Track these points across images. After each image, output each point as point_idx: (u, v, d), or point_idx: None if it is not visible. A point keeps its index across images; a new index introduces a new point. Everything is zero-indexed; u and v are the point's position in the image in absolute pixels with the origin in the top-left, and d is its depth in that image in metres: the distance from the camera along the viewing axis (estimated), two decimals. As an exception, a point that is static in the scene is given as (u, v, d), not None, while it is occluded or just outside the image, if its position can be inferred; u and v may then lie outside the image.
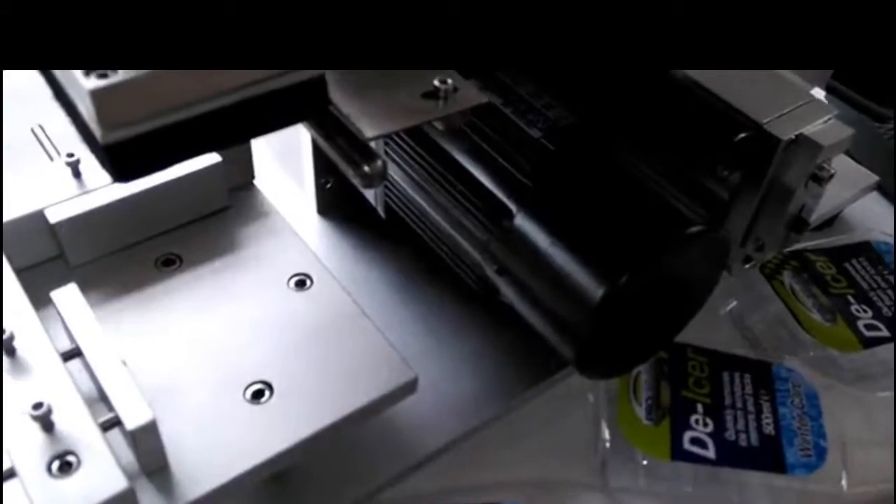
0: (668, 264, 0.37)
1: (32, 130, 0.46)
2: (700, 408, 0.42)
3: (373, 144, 0.29)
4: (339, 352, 0.39)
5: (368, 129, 0.26)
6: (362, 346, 0.39)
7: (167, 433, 0.34)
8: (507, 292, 0.40)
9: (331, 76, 0.27)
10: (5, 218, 0.40)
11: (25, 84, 0.36)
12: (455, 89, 0.29)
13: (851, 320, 0.47)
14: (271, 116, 0.25)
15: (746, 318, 0.49)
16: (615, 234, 0.37)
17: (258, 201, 0.46)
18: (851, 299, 0.48)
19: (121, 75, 0.22)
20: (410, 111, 0.28)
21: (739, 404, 0.43)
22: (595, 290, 0.36)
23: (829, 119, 0.42)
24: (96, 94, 0.22)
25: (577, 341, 0.38)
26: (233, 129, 0.25)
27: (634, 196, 0.38)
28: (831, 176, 0.42)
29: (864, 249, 0.51)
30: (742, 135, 0.38)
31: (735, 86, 0.42)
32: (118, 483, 0.31)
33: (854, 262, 0.50)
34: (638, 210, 0.38)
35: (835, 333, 0.46)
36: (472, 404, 0.44)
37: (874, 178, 0.57)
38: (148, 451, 0.34)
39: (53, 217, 0.40)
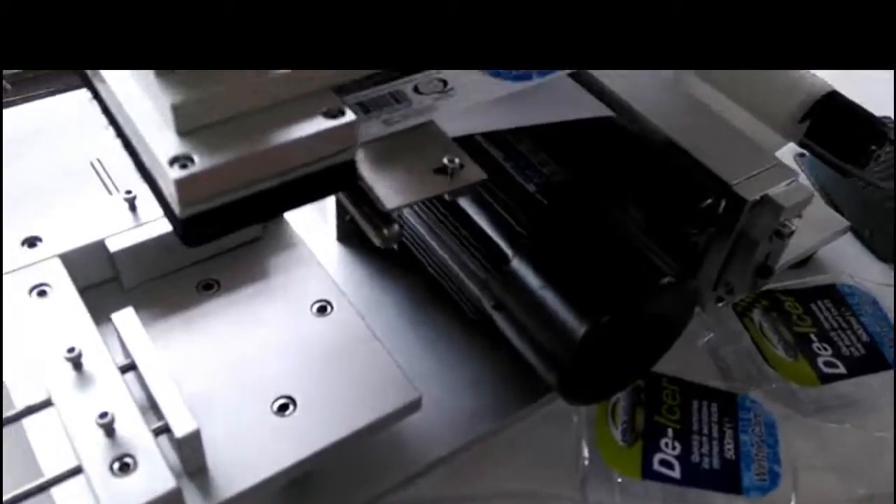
0: (641, 308, 0.43)
1: (92, 164, 0.52)
2: (670, 432, 0.48)
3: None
4: (354, 372, 0.45)
5: (389, 202, 0.32)
6: (374, 367, 0.45)
7: (205, 439, 0.40)
8: (502, 325, 0.46)
9: (359, 155, 0.33)
10: (74, 245, 0.46)
11: (84, 116, 0.40)
12: (461, 166, 0.34)
13: (812, 357, 0.53)
14: (313, 192, 0.31)
15: (720, 351, 0.55)
16: (597, 280, 0.43)
17: (287, 233, 0.52)
18: (814, 337, 0.54)
19: (198, 165, 0.28)
20: (423, 185, 0.33)
21: (705, 430, 0.48)
22: (578, 328, 0.42)
23: (792, 182, 0.47)
24: (179, 182, 0.28)
25: (561, 371, 0.43)
26: (283, 202, 0.31)
27: (616, 248, 0.44)
28: (792, 232, 0.47)
29: (830, 292, 0.57)
30: (708, 201, 0.44)
31: (710, 148, 0.48)
32: (168, 483, 0.37)
33: (819, 303, 0.56)
34: (618, 260, 0.43)
35: (796, 368, 0.52)
36: (471, 420, 0.49)
37: (845, 223, 0.63)
38: (191, 456, 0.39)
39: (113, 247, 0.46)
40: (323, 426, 0.42)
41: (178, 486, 0.37)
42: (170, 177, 0.28)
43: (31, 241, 0.46)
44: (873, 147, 0.52)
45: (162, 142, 0.29)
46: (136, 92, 0.31)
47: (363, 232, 0.35)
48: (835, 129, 0.52)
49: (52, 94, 0.72)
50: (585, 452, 0.47)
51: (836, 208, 0.67)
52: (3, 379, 0.42)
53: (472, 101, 0.37)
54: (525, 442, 0.49)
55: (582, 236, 0.44)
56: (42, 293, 0.44)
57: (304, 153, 0.30)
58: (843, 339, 0.54)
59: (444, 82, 0.37)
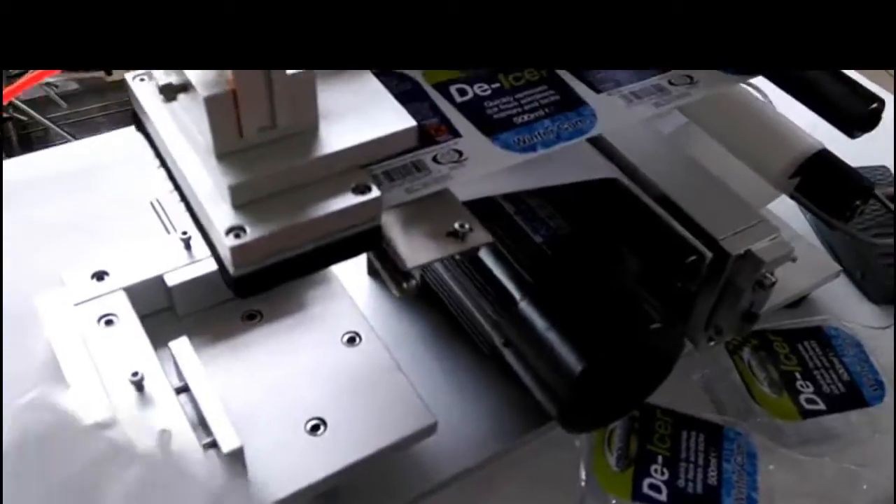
0: (631, 350, 0.49)
1: (152, 203, 0.59)
2: (660, 459, 0.53)
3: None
4: (378, 398, 0.51)
5: (408, 261, 0.38)
6: (396, 394, 0.51)
7: (246, 454, 0.46)
8: (510, 360, 0.52)
9: (384, 217, 0.39)
10: (137, 279, 0.53)
11: (143, 153, 0.44)
12: (471, 230, 0.40)
13: (795, 394, 0.57)
14: (345, 253, 0.38)
15: (713, 386, 0.60)
16: (593, 325, 0.49)
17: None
18: (798, 376, 0.59)
19: (250, 235, 0.34)
20: (438, 247, 0.39)
21: (692, 458, 0.53)
22: (575, 366, 0.47)
23: (774, 238, 0.53)
24: (233, 249, 0.34)
25: (560, 403, 0.49)
26: (319, 263, 0.37)
27: (611, 296, 0.50)
28: (773, 283, 0.53)
29: (816, 334, 0.62)
30: (692, 257, 0.49)
31: (701, 206, 0.53)
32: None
33: (805, 343, 0.61)
34: (612, 307, 0.49)
35: (780, 404, 0.57)
36: (482, 443, 0.55)
37: (837, 268, 0.67)
38: (235, 467, 0.46)
39: (170, 282, 0.53)
40: (350, 445, 0.48)
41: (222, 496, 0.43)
42: (226, 244, 0.34)
43: (100, 276, 0.53)
44: (857, 202, 0.57)
45: (219, 213, 0.35)
46: (197, 166, 0.37)
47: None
48: (822, 186, 0.57)
49: (114, 128, 0.80)
50: (583, 475, 0.53)
51: (831, 248, 0.72)
52: (70, 400, 0.48)
53: (484, 171, 0.42)
54: (530, 464, 0.55)
55: (582, 285, 0.50)
56: (109, 322, 0.51)
57: (337, 223, 0.36)
58: (826, 377, 0.59)
59: (460, 153, 0.43)
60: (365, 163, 0.38)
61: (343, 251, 0.38)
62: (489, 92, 0.45)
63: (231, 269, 0.35)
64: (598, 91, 0.46)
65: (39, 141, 1.78)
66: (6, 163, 0.79)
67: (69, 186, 0.71)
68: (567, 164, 0.51)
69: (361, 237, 0.38)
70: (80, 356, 0.49)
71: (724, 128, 0.60)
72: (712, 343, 0.57)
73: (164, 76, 0.35)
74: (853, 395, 0.57)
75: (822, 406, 0.57)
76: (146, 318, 0.53)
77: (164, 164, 0.41)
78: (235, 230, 0.35)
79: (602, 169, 0.53)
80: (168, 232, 0.57)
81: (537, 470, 0.55)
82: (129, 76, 0.41)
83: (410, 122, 0.39)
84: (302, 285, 0.58)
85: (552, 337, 0.49)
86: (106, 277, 0.53)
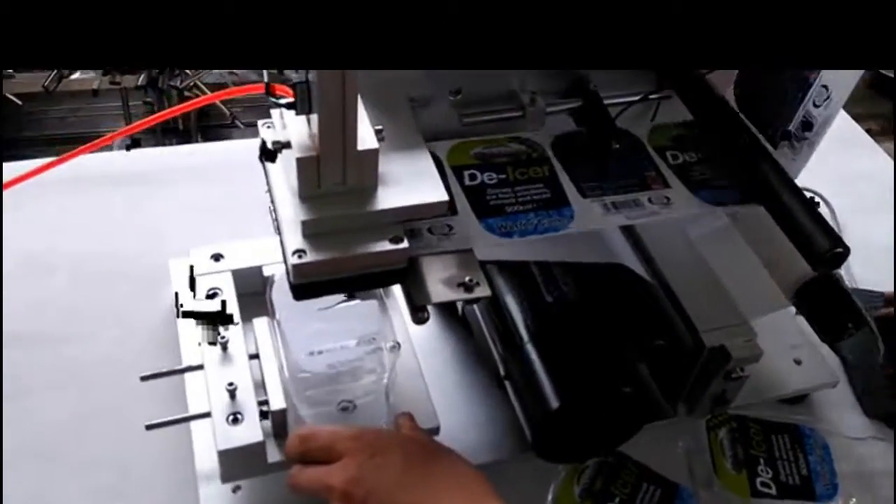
0: (602, 405, 0.60)
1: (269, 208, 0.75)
2: (617, 500, 0.64)
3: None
4: (399, 395, 0.64)
5: (419, 300, 0.51)
6: (414, 396, 0.65)
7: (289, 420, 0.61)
8: (509, 390, 0.64)
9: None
10: (243, 265, 0.68)
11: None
12: (477, 284, 0.53)
13: (753, 476, 0.66)
14: (377, 282, 0.51)
15: (690, 453, 0.69)
16: (576, 377, 0.60)
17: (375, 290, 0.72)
18: (762, 461, 0.67)
19: (309, 257, 0.48)
20: (448, 292, 0.52)
21: (645, 507, 0.64)
22: (553, 403, 0.59)
23: (749, 340, 0.62)
24: (295, 266, 0.48)
25: (537, 433, 0.61)
26: (358, 286, 0.51)
27: (597, 357, 0.61)
28: (741, 377, 0.62)
29: (791, 430, 0.70)
30: (659, 342, 0.60)
31: (695, 299, 0.63)
32: (258, 436, 0.58)
33: (779, 436, 0.69)
34: (596, 367, 0.60)
35: (737, 480, 0.66)
36: (473, 454, 0.67)
37: (836, 378, 0.75)
38: (278, 424, 0.60)
39: (266, 272, 0.69)
40: (368, 422, 0.62)
41: (263, 440, 0.58)
42: (290, 262, 0.48)
43: (217, 257, 0.70)
44: (850, 325, 0.66)
45: (291, 238, 0.50)
46: (286, 200, 0.52)
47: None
48: (822, 305, 0.65)
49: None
50: (549, 499, 0.64)
51: (843, 358, 0.79)
52: (181, 346, 0.64)
53: (463, 247, 0.53)
54: (512, 482, 0.66)
55: (574, 343, 0.62)
56: (213, 295, 0.67)
57: (374, 261, 0.50)
58: (786, 468, 0.67)
59: (450, 227, 0.54)
60: (404, 219, 0.52)
61: (376, 282, 0.52)
62: (495, 181, 0.58)
63: (292, 278, 0.49)
64: (584, 195, 0.57)
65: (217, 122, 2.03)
66: (179, 149, 0.98)
67: (222, 177, 0.89)
68: (582, 246, 0.63)
69: (390, 274, 0.51)
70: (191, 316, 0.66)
71: (750, 238, 0.69)
72: (688, 416, 0.67)
73: (272, 135, 0.50)
74: (806, 488, 0.66)
75: (773, 491, 0.66)
76: (242, 297, 0.69)
77: (269, 191, 0.56)
78: (299, 252, 0.49)
79: (610, 255, 0.64)
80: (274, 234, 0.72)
81: (514, 489, 0.66)
82: (260, 122, 0.56)
83: (444, 197, 0.52)
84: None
85: (541, 377, 0.61)
86: (221, 259, 0.70)
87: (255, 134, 0.56)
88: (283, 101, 0.49)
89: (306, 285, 0.50)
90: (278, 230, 0.53)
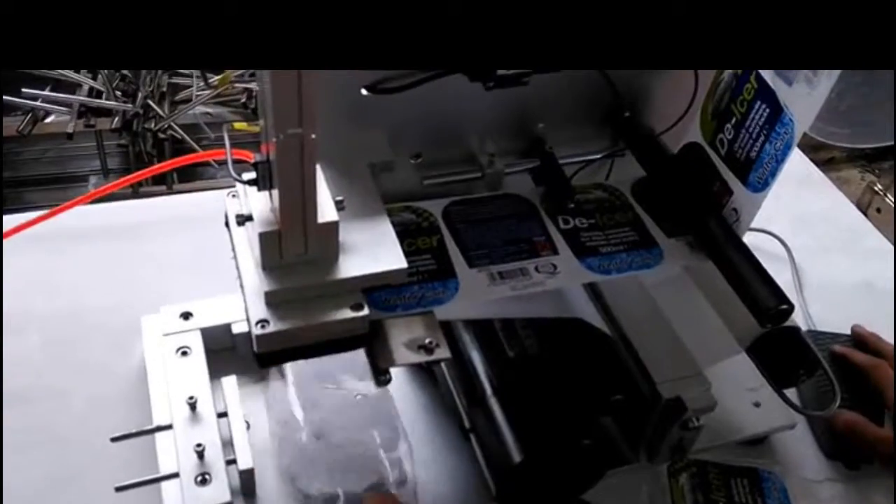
0: (562, 457, 0.61)
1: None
2: (580, 547, 0.65)
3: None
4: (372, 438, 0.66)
5: (382, 363, 0.53)
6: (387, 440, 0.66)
7: (258, 471, 0.62)
8: (473, 441, 0.66)
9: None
10: (212, 323, 0.70)
11: None
12: (437, 345, 0.54)
13: (712, 521, 0.68)
14: (340, 348, 0.53)
15: (653, 500, 0.71)
16: (536, 431, 0.62)
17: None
18: (720, 506, 0.69)
19: (272, 328, 0.50)
20: (410, 354, 0.54)
21: (608, 554, 0.65)
22: (515, 456, 0.60)
23: (706, 389, 0.64)
24: (258, 337, 0.50)
25: (501, 485, 0.62)
26: (319, 352, 0.53)
27: (554, 413, 0.63)
28: (697, 427, 0.64)
29: (750, 474, 0.72)
30: (618, 396, 0.62)
31: (652, 351, 0.65)
32: (225, 496, 0.59)
33: (738, 480, 0.71)
34: (555, 421, 0.62)
35: (695, 526, 0.68)
36: (454, 497, 0.69)
37: (794, 420, 0.77)
38: (246, 484, 0.62)
39: (236, 330, 0.70)
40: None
41: (231, 501, 0.59)
42: (254, 332, 0.50)
43: (186, 315, 0.71)
44: (802, 371, 0.68)
45: (255, 307, 0.51)
46: (250, 270, 0.53)
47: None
48: (773, 351, 0.68)
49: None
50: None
51: (803, 400, 0.81)
52: (151, 405, 0.66)
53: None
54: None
55: (536, 398, 0.63)
56: (184, 353, 0.68)
57: (335, 329, 0.52)
58: (744, 513, 0.69)
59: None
60: (365, 287, 0.53)
61: (337, 347, 0.53)
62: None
63: (255, 347, 0.51)
64: (471, 265, 0.58)
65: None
66: (153, 201, 1.00)
67: (193, 230, 0.90)
68: (542, 301, 0.65)
69: (352, 339, 0.53)
70: (160, 372, 0.67)
71: (708, 288, 0.71)
72: (649, 463, 0.69)
73: (237, 207, 0.52)
74: (764, 532, 0.68)
75: (731, 536, 0.67)
76: (211, 354, 0.70)
77: (234, 257, 0.57)
78: (262, 322, 0.51)
79: (569, 309, 0.66)
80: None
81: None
82: (226, 192, 0.58)
83: (403, 264, 0.53)
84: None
85: (504, 431, 0.62)
86: (190, 318, 0.71)
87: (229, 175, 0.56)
88: (245, 177, 0.51)
89: (270, 354, 0.52)
90: (243, 296, 0.55)
